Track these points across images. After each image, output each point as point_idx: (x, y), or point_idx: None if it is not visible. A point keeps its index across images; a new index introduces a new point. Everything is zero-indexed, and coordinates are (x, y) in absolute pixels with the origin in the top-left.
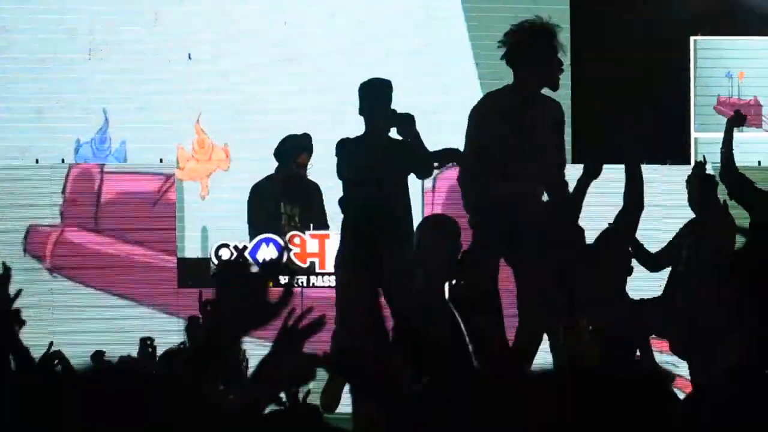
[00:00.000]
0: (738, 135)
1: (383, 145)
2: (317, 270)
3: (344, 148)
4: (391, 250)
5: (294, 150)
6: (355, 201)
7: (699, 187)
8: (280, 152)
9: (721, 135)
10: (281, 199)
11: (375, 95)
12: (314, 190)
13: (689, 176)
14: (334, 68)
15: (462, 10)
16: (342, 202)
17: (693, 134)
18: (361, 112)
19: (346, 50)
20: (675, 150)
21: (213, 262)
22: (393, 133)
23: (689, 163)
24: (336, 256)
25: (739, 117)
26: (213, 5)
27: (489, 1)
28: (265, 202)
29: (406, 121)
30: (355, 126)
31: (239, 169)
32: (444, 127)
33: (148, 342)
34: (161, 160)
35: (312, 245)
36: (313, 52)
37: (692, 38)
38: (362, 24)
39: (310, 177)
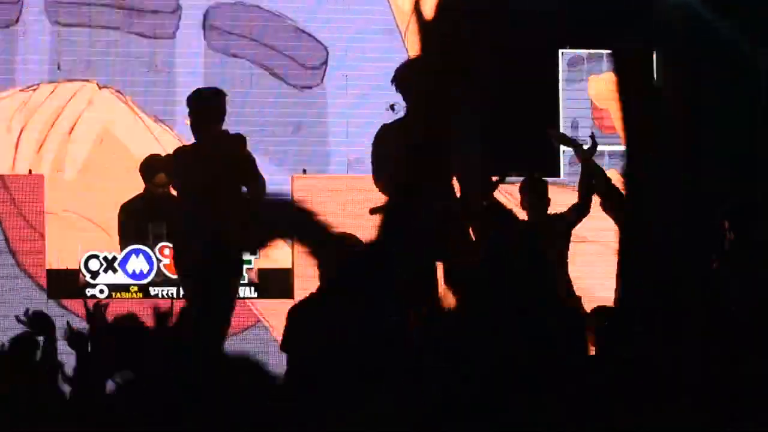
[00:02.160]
0: None
1: (217, 156)
2: None
3: (177, 156)
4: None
5: (150, 170)
6: (185, 212)
7: None
8: (141, 172)
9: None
10: (147, 218)
11: (204, 106)
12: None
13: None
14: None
15: None
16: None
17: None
18: (194, 123)
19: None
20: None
21: (83, 273)
22: None
23: (559, 176)
24: (176, 266)
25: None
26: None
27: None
28: (132, 221)
29: (238, 142)
30: None
31: None
32: None
33: None
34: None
35: None
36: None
37: (561, 51)
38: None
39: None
